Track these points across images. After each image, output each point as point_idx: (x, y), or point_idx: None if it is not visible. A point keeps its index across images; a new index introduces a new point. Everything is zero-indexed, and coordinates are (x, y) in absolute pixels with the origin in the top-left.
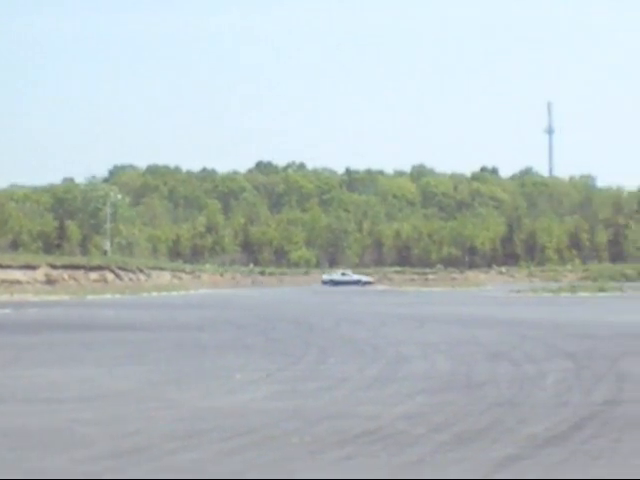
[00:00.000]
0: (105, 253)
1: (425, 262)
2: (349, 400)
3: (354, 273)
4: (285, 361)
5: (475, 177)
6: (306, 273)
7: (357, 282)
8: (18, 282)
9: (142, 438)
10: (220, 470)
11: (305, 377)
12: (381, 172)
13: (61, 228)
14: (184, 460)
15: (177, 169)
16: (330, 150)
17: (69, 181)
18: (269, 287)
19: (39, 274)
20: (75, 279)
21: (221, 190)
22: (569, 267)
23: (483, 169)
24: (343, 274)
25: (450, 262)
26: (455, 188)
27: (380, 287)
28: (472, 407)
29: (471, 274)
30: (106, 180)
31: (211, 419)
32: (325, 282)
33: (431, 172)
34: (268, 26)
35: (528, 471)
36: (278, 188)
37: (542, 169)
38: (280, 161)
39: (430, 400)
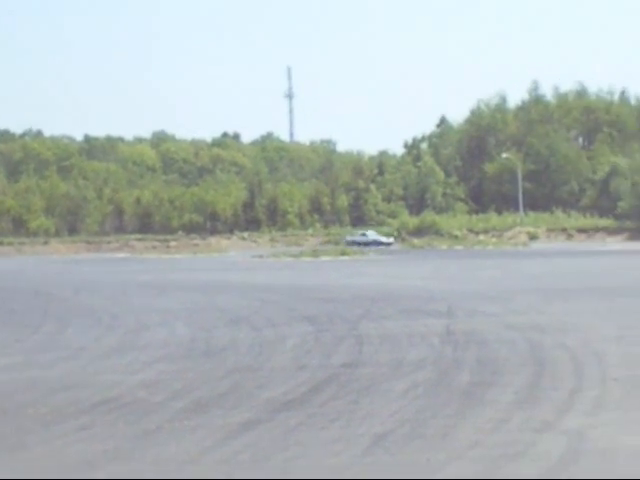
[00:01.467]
0: None
1: (167, 229)
2: (87, 370)
3: (380, 234)
4: (23, 332)
5: (216, 143)
6: (45, 243)
7: (374, 242)
8: None
9: None
10: None
11: (43, 348)
12: (121, 139)
13: None
14: None
15: None
16: (68, 117)
17: None
18: (7, 257)
19: None
20: None
21: None
22: (310, 231)
23: (224, 135)
24: (362, 234)
25: (192, 228)
26: (196, 154)
27: (121, 255)
28: (212, 373)
29: (213, 240)
30: None
31: None
32: (348, 243)
33: (172, 138)
34: None
35: (265, 435)
36: (15, 156)
37: (283, 134)
38: (17, 129)
39: (170, 367)
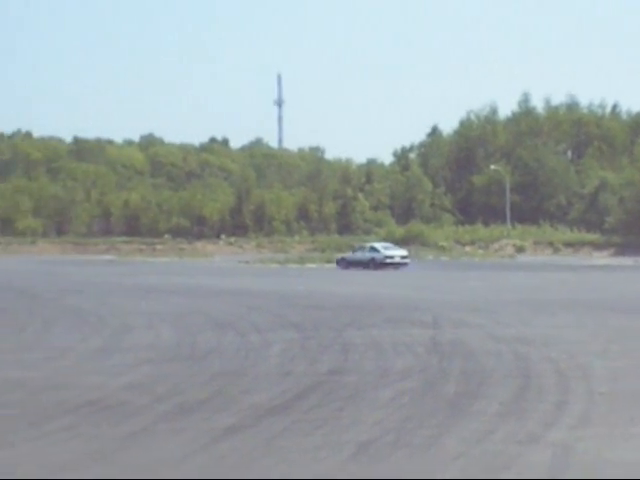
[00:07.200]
0: None
1: (154, 232)
2: (72, 370)
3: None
4: (8, 331)
5: (204, 148)
6: (33, 242)
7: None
8: None
9: None
10: None
11: (29, 347)
12: (110, 141)
13: None
14: None
15: None
16: (58, 118)
17: None
18: None
19: None
20: None
21: None
22: (297, 238)
23: (212, 140)
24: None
25: (179, 232)
26: (184, 158)
27: (107, 257)
28: (196, 377)
29: (200, 244)
30: None
31: None
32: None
33: (160, 142)
34: None
35: (249, 440)
36: (4, 156)
37: (272, 140)
38: (6, 129)
39: (154, 371)
